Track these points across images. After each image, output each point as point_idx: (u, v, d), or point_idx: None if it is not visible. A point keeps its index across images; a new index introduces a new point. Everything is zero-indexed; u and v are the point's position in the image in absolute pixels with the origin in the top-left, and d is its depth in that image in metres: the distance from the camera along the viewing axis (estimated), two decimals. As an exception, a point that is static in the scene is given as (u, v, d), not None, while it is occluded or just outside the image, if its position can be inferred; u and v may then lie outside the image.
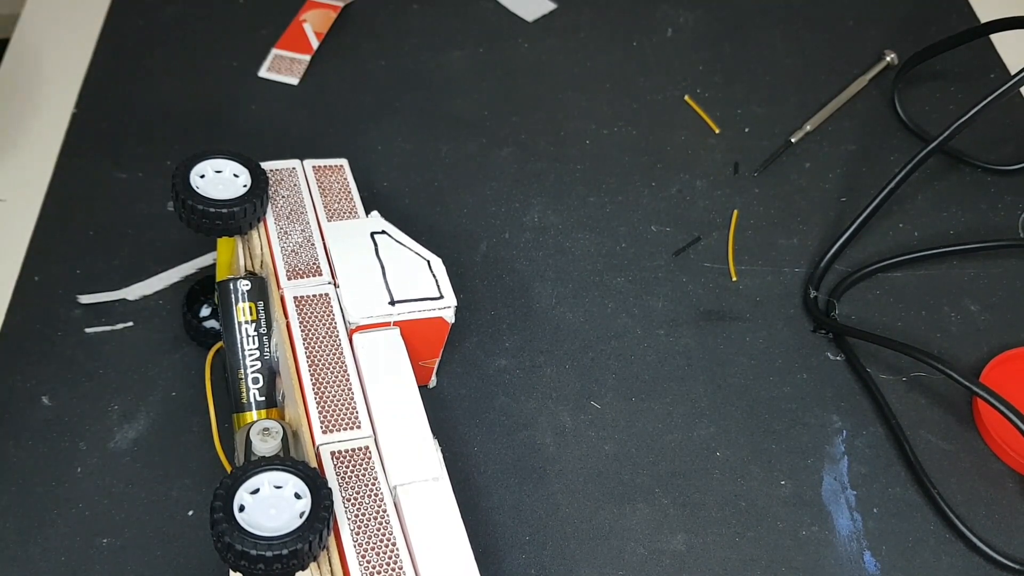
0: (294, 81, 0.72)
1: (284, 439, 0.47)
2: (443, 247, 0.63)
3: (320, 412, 0.46)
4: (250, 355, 0.51)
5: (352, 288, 0.51)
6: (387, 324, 0.50)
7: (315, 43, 0.74)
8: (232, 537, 0.39)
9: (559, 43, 0.76)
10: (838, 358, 0.59)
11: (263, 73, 0.73)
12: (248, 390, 0.50)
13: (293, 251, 0.52)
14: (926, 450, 0.56)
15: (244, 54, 0.74)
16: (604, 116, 0.71)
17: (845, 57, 0.76)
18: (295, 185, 0.55)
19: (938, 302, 0.62)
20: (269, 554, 0.39)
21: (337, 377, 0.48)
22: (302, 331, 0.49)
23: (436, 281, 0.52)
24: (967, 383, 0.53)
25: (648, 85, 0.73)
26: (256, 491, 0.41)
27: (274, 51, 0.74)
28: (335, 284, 0.51)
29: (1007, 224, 0.66)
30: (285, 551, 0.39)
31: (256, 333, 0.51)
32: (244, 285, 0.52)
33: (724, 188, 0.67)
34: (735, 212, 0.66)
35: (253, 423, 0.47)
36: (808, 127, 0.70)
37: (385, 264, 0.52)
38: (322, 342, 0.49)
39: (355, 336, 0.50)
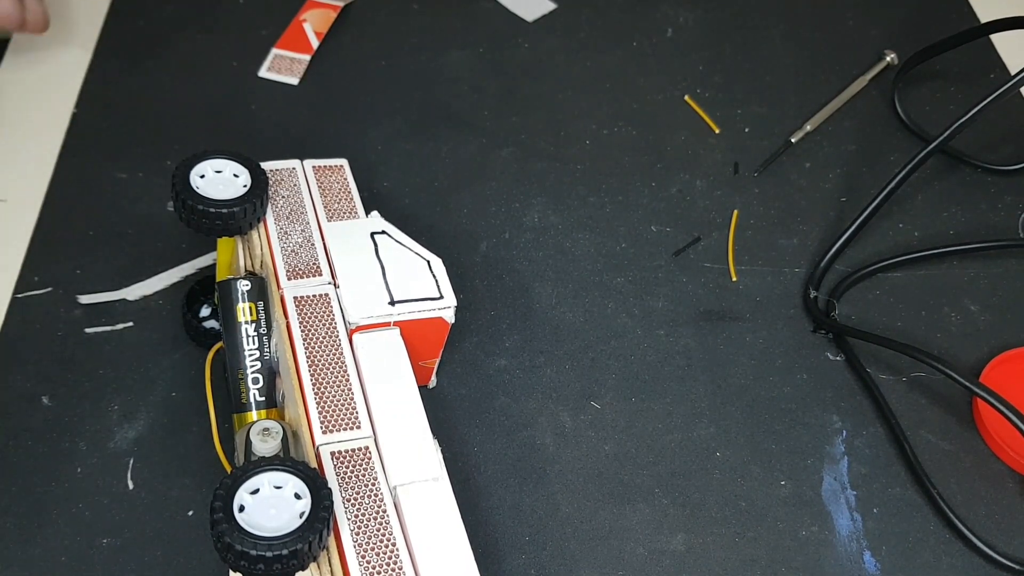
0: (294, 81, 0.72)
1: (284, 439, 0.47)
2: (443, 247, 0.63)
3: (320, 412, 0.46)
4: (250, 355, 0.51)
5: (352, 288, 0.51)
6: (387, 324, 0.50)
7: (315, 43, 0.74)
8: (232, 537, 0.39)
9: (559, 43, 0.76)
10: (838, 358, 0.59)
11: (263, 73, 0.73)
12: (248, 390, 0.50)
13: (293, 251, 0.52)
14: (926, 450, 0.56)
15: (244, 54, 0.74)
16: (604, 116, 0.71)
17: (845, 57, 0.76)
18: (295, 185, 0.55)
19: (938, 302, 0.62)
20: (269, 554, 0.39)
21: (337, 377, 0.48)
22: (302, 331, 0.49)
23: (436, 281, 0.52)
24: (967, 383, 0.53)
25: (648, 85, 0.73)
26: (256, 491, 0.41)
27: (274, 51, 0.74)
28: (335, 284, 0.51)
29: (1007, 224, 0.66)
30: (285, 551, 0.39)
31: (256, 333, 0.51)
32: (244, 285, 0.52)
33: (724, 188, 0.67)
34: (735, 212, 0.66)
35: (253, 423, 0.47)
36: (808, 127, 0.70)
37: (385, 264, 0.52)
38: (322, 342, 0.49)
39: (355, 336, 0.50)
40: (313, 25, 0.76)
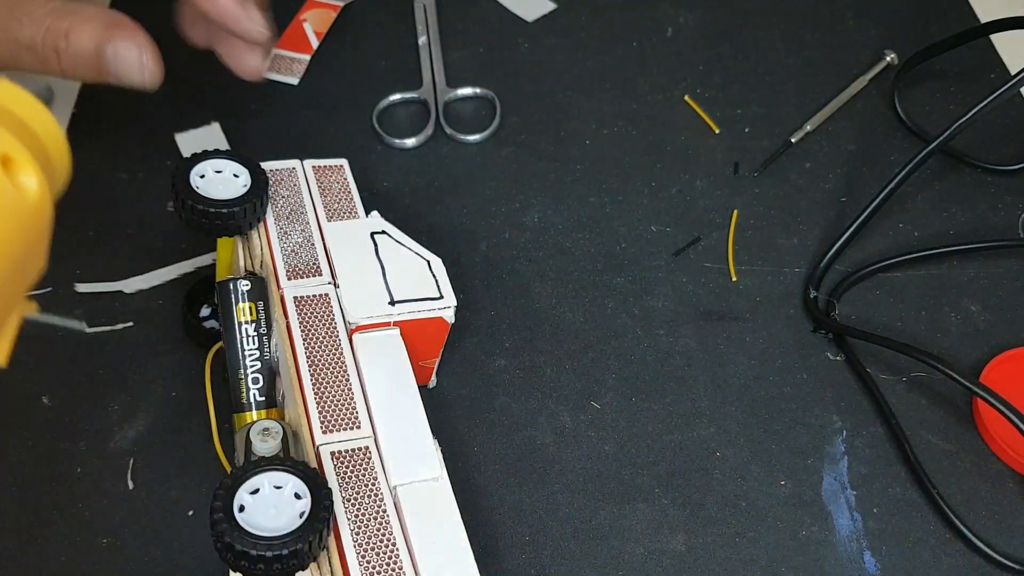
0: (294, 81, 0.72)
1: (284, 439, 0.47)
2: (443, 247, 0.63)
3: (320, 412, 0.46)
4: (250, 355, 0.51)
5: (352, 288, 0.51)
6: (387, 324, 0.50)
7: (315, 43, 0.74)
8: (232, 537, 0.39)
9: (559, 43, 0.76)
10: (838, 358, 0.59)
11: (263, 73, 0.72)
12: (248, 390, 0.50)
13: (293, 251, 0.52)
14: (926, 450, 0.56)
15: (244, 54, 0.74)
16: (604, 116, 0.71)
17: (845, 57, 0.76)
18: (295, 185, 0.55)
19: (938, 302, 0.62)
20: (269, 554, 0.39)
21: (337, 377, 0.48)
22: (302, 331, 0.49)
23: (436, 281, 0.52)
24: (967, 383, 0.53)
25: (648, 85, 0.73)
26: (256, 491, 0.41)
27: (274, 51, 0.74)
28: (335, 284, 0.51)
29: (1007, 224, 0.66)
30: (285, 551, 0.39)
31: (256, 333, 0.51)
32: (244, 285, 0.52)
33: (724, 188, 0.67)
34: (735, 212, 0.66)
35: (253, 423, 0.47)
36: (808, 127, 0.70)
37: (385, 264, 0.52)
38: (322, 342, 0.49)
39: (355, 336, 0.50)
40: (313, 25, 0.76)
